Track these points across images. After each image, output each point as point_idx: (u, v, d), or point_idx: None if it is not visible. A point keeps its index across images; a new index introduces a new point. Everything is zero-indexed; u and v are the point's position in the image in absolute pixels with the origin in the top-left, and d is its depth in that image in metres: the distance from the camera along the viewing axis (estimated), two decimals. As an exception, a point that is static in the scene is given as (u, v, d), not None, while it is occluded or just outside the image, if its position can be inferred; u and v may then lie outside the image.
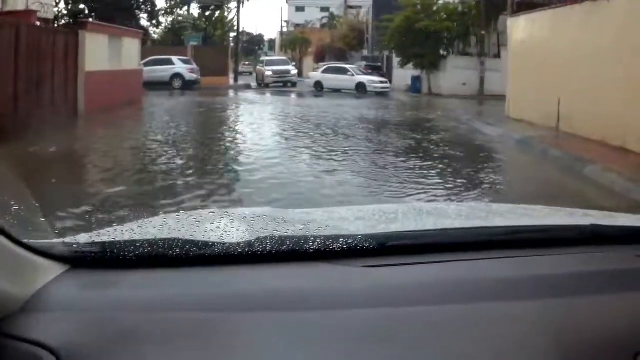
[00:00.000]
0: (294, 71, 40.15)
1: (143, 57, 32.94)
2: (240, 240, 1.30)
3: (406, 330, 1.04)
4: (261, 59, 43.59)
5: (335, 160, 10.73)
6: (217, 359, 1.01)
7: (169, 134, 14.62)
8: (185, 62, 33.65)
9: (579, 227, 1.52)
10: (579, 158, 10.27)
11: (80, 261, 1.23)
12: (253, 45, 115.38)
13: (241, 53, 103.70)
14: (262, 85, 38.22)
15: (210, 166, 10.48)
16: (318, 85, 34.32)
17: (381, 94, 32.33)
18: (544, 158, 11.55)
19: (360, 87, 33.15)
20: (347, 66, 35.50)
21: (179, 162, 10.60)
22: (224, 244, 1.28)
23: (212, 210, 1.89)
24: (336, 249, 1.28)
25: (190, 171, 9.80)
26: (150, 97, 25.55)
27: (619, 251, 1.41)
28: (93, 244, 1.29)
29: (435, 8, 35.91)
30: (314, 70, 40.65)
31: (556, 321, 1.09)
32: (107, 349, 1.00)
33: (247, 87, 38.62)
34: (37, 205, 1.73)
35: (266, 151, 11.76)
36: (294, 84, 38.21)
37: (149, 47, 39.14)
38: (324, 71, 35.39)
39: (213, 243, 1.27)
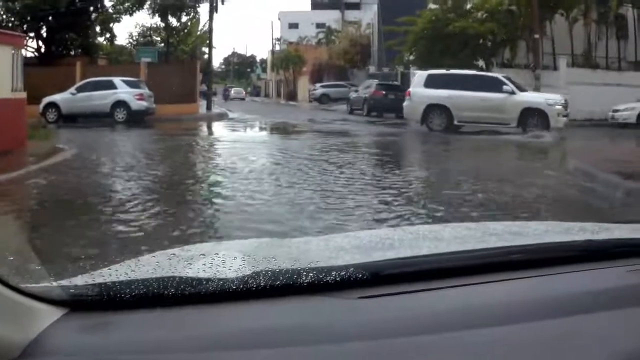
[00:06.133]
0: None
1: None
2: (234, 276, 1.30)
3: None
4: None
5: None
6: None
7: None
8: (132, 84, 24.40)
9: (574, 244, 1.62)
10: None
11: (78, 304, 1.25)
12: (244, 67, 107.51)
13: (232, 76, 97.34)
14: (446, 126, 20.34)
15: None
16: None
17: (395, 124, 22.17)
18: None
19: None
20: None
21: None
22: (218, 280, 1.28)
23: (206, 244, 2.01)
24: (330, 281, 1.29)
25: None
26: (61, 139, 16.22)
27: (612, 266, 1.47)
28: (90, 286, 1.30)
29: (469, 5, 26.92)
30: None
31: (551, 343, 1.13)
32: None
33: (222, 116, 29.66)
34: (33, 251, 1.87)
35: None
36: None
37: (98, 65, 31.01)
38: None
39: (207, 280, 1.28)
